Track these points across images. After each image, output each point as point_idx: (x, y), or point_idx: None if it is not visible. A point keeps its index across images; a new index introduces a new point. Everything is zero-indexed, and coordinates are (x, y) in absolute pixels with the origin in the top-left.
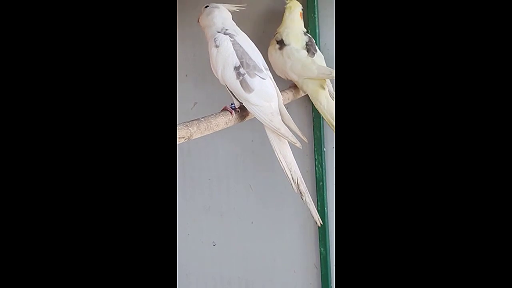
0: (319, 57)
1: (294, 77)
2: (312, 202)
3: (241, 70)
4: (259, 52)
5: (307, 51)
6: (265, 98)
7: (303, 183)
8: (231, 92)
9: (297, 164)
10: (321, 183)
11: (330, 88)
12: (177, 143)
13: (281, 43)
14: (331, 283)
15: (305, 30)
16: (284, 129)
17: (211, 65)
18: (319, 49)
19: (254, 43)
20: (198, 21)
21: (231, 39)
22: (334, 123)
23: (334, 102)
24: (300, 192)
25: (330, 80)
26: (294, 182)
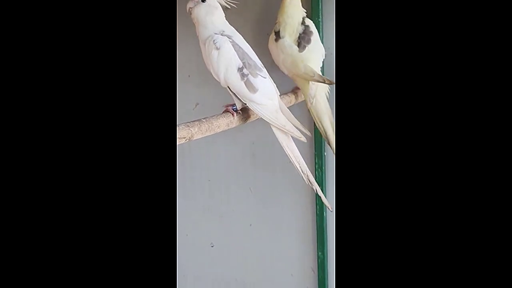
0: (310, 51)
1: (285, 71)
2: (320, 190)
3: (245, 71)
4: (254, 52)
5: (298, 44)
6: (269, 97)
7: (311, 175)
8: (234, 94)
9: None
10: (321, 187)
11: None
12: (178, 143)
13: (278, 35)
14: (327, 287)
15: (304, 16)
16: (289, 125)
17: (211, 68)
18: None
19: (256, 44)
20: (189, 11)
21: (230, 40)
22: (320, 123)
23: (324, 101)
24: (311, 182)
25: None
26: (305, 174)
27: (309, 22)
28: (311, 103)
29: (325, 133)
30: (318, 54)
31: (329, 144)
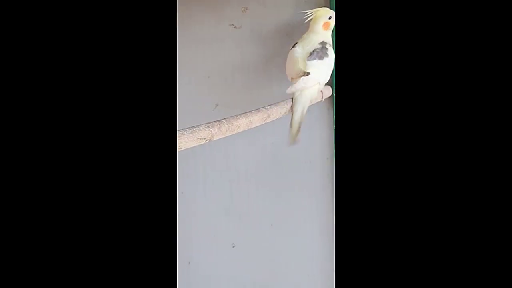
0: (315, 65)
1: (288, 74)
2: None
3: None
4: None
5: (310, 55)
6: None
7: None
8: None
9: (317, 166)
10: None
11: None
12: (198, 144)
13: (294, 45)
14: None
15: (327, 41)
16: None
17: None
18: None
19: (278, 51)
20: None
21: None
22: (293, 111)
23: (306, 96)
24: None
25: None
26: None
27: (330, 47)
28: (296, 95)
29: (292, 119)
30: (323, 72)
31: (291, 133)
